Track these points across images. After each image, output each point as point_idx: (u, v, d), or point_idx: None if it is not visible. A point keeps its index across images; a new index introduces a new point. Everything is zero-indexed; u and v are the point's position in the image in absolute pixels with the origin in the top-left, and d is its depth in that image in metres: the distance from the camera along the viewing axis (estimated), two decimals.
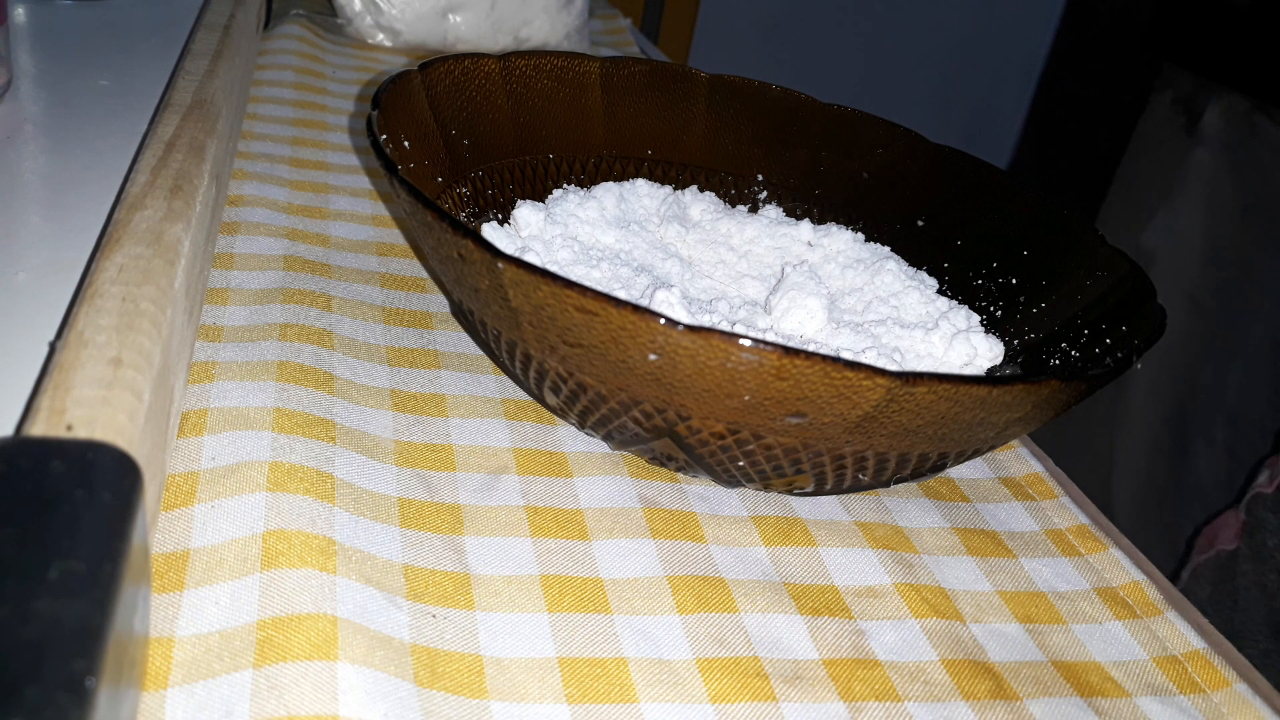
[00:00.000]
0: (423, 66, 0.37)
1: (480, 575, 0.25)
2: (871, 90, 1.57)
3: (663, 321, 0.23)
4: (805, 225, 0.41)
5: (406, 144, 0.34)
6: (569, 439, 0.30)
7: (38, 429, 0.20)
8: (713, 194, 0.43)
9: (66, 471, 0.18)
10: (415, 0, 0.59)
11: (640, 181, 0.41)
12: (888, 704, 0.24)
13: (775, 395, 0.24)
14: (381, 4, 0.58)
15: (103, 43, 0.52)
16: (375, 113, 0.32)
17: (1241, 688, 0.26)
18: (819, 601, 0.26)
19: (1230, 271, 0.91)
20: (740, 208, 0.43)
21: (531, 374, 0.28)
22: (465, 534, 0.26)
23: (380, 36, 0.59)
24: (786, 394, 0.24)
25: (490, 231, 0.34)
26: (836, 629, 0.26)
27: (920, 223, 0.41)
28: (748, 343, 0.23)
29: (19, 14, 0.52)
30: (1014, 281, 0.38)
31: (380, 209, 0.41)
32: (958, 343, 0.34)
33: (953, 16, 1.61)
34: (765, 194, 0.44)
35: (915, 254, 0.41)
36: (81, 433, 0.20)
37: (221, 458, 0.26)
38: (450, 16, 0.59)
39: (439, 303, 0.36)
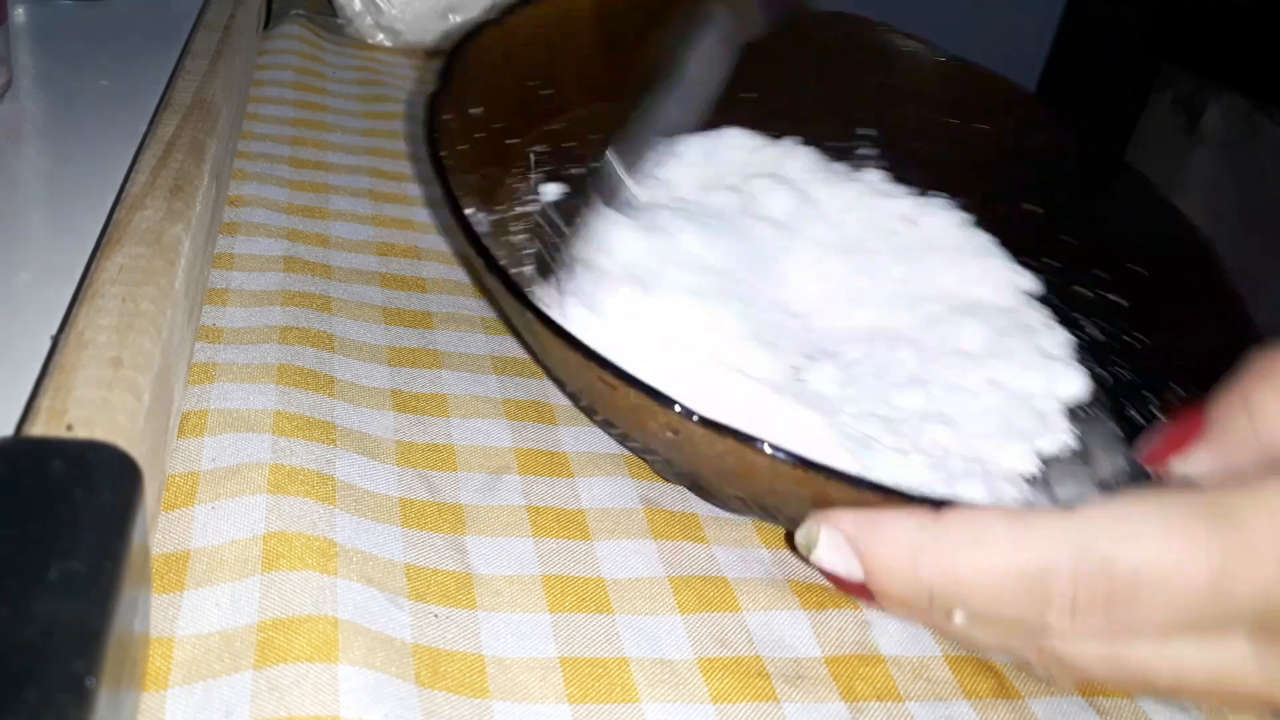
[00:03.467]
0: (505, 12, 0.34)
1: (482, 575, 0.25)
2: None
3: (678, 409, 0.22)
4: (905, 197, 0.37)
5: (478, 110, 0.32)
6: (570, 439, 0.30)
7: (38, 429, 0.20)
8: (813, 149, 0.39)
9: (66, 471, 0.18)
10: (415, 0, 0.59)
11: (731, 130, 0.37)
12: (889, 704, 0.24)
13: (793, 492, 0.23)
14: (381, 4, 0.58)
15: (103, 43, 0.51)
16: (438, 89, 0.30)
17: None
18: (823, 597, 0.26)
19: (1230, 272, 0.91)
20: (841, 165, 0.39)
21: (568, 392, 0.28)
22: (467, 534, 0.26)
23: (380, 36, 0.59)
24: (803, 495, 0.23)
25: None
26: (840, 623, 0.26)
27: (1035, 209, 0.37)
28: (765, 448, 0.22)
29: (19, 14, 0.52)
30: (1123, 303, 0.34)
31: (380, 209, 0.41)
32: (1036, 370, 0.31)
33: (952, 16, 1.61)
34: (874, 152, 0.39)
35: (1021, 243, 0.36)
36: (81, 433, 0.20)
37: (222, 459, 0.26)
38: (450, 17, 0.59)
39: (439, 302, 0.36)
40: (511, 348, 0.34)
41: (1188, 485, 0.23)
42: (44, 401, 0.21)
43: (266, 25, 0.56)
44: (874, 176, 0.39)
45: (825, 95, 0.40)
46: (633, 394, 0.23)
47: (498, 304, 0.31)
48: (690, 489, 0.29)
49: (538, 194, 0.35)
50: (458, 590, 0.24)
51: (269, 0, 0.56)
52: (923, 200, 0.38)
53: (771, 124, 0.39)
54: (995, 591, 0.22)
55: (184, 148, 0.32)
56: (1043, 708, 0.25)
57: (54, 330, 0.29)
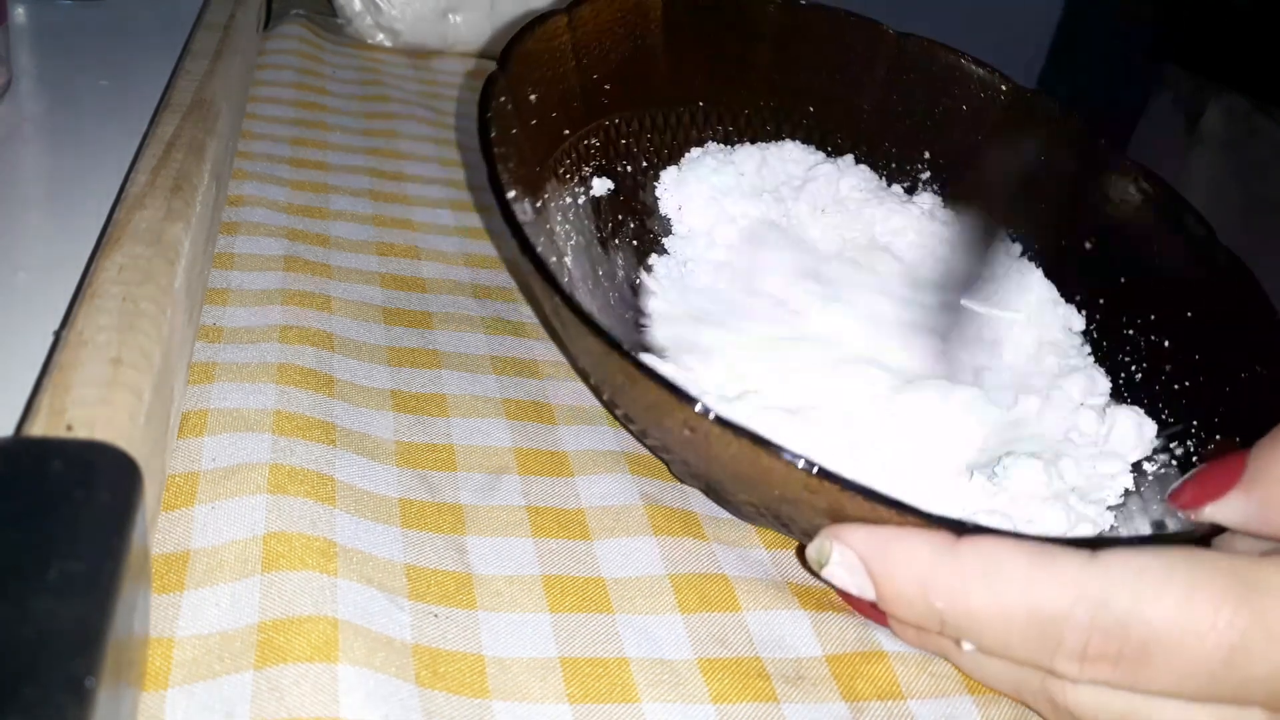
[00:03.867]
0: (571, 5, 0.34)
1: (482, 575, 0.25)
2: None
3: (697, 408, 0.22)
4: (952, 224, 0.37)
5: (533, 97, 0.32)
6: (570, 439, 0.30)
7: (38, 429, 0.20)
8: (867, 168, 0.38)
9: (66, 471, 0.18)
10: (415, 0, 0.59)
11: (789, 144, 0.38)
12: (890, 702, 0.24)
13: (805, 500, 0.23)
14: (381, 4, 0.58)
15: (103, 43, 0.51)
16: (499, 72, 0.30)
17: None
18: (822, 599, 0.26)
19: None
20: (896, 186, 0.39)
21: (593, 388, 0.28)
22: (467, 534, 0.26)
23: (380, 36, 0.59)
24: (816, 504, 0.23)
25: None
26: (841, 622, 0.26)
27: (1088, 244, 0.36)
28: (780, 451, 0.22)
29: (19, 14, 0.52)
30: (1165, 344, 0.33)
31: (380, 209, 0.41)
32: (1106, 421, 0.31)
33: (952, 17, 1.61)
34: (929, 174, 0.40)
35: (1071, 280, 0.36)
36: (81, 433, 0.20)
37: (222, 459, 0.26)
38: (450, 17, 0.59)
39: (439, 302, 0.36)
40: (511, 348, 0.34)
41: (1218, 548, 0.22)
42: (44, 401, 0.21)
43: (266, 25, 0.56)
44: (929, 200, 0.39)
45: (887, 115, 0.40)
46: (652, 389, 0.23)
47: (529, 291, 0.30)
48: (706, 493, 0.29)
49: (587, 187, 0.35)
50: (457, 590, 0.24)
51: (269, 0, 0.56)
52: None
53: (830, 139, 0.40)
54: (1005, 628, 0.21)
55: (184, 148, 0.32)
56: None
57: (53, 330, 0.29)
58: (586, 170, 0.35)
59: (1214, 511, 0.24)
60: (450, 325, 0.35)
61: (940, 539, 0.22)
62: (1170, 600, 0.20)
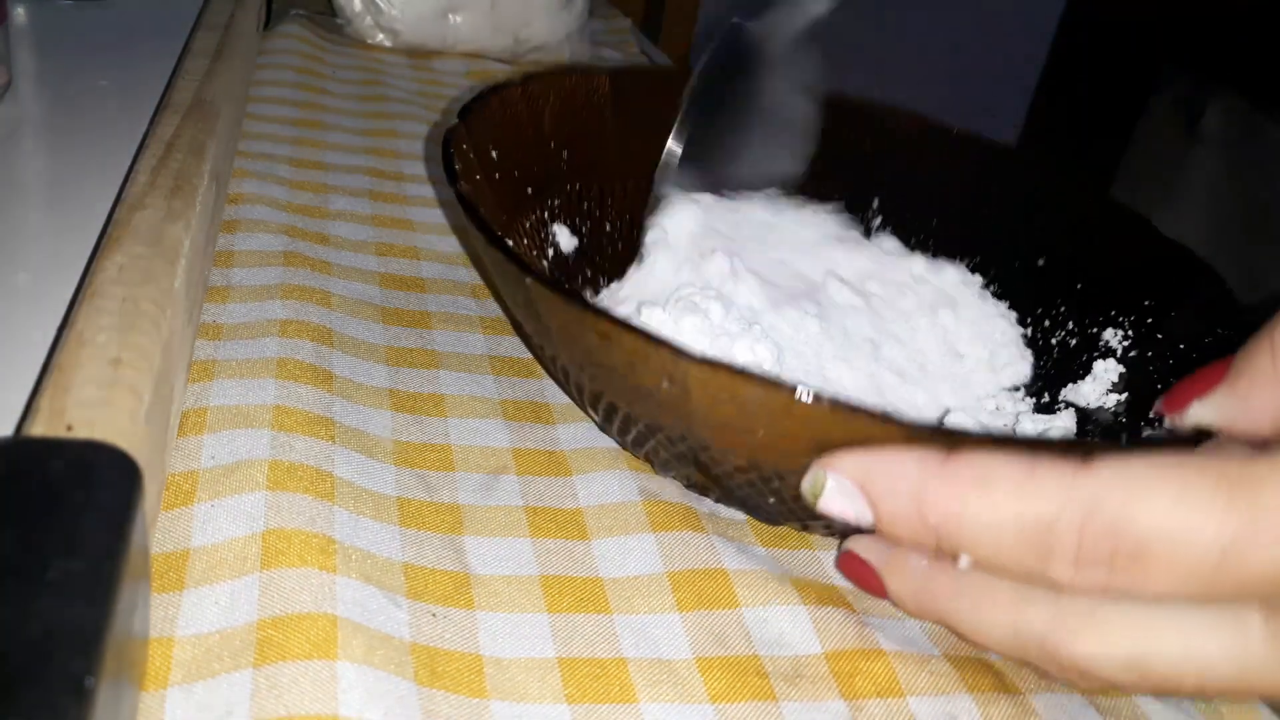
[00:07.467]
0: (527, 79, 0.36)
1: (480, 575, 0.25)
2: (870, 91, 1.57)
3: (672, 351, 0.23)
4: (918, 258, 0.39)
5: (495, 154, 0.34)
6: (568, 438, 0.30)
7: (38, 429, 0.20)
8: (827, 213, 0.40)
9: (66, 471, 0.18)
10: (415, 0, 0.59)
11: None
12: (889, 700, 0.24)
13: (788, 433, 0.23)
14: (381, 4, 0.58)
15: (103, 43, 0.52)
16: (459, 123, 0.31)
17: None
18: (822, 594, 0.26)
19: (1230, 272, 0.91)
20: (853, 231, 0.41)
21: (573, 389, 0.28)
22: (465, 534, 0.26)
23: (380, 36, 0.59)
24: (798, 433, 0.23)
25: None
26: (840, 619, 0.26)
27: (1040, 262, 0.39)
28: (756, 378, 0.22)
29: (19, 14, 0.52)
30: (1130, 332, 0.36)
31: (380, 209, 0.41)
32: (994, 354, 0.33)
33: (952, 17, 1.61)
34: (880, 219, 0.42)
35: (1033, 295, 0.38)
36: (81, 433, 0.20)
37: (221, 456, 0.26)
38: (450, 17, 0.59)
39: (438, 302, 0.36)
40: (510, 348, 0.34)
41: (1207, 449, 0.22)
42: (44, 401, 0.21)
43: (266, 25, 0.56)
44: (890, 244, 0.41)
45: (829, 164, 0.42)
46: (627, 339, 0.23)
47: (498, 289, 0.31)
48: (690, 486, 0.29)
49: (551, 241, 0.37)
50: (455, 590, 0.24)
51: (269, 0, 0.56)
52: (935, 262, 0.39)
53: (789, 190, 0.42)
54: (999, 537, 0.21)
55: (184, 148, 0.32)
56: (1043, 703, 0.25)
57: (54, 330, 0.29)
58: (553, 227, 0.37)
59: (1200, 410, 0.24)
60: (448, 325, 0.35)
61: (931, 456, 0.22)
62: (1162, 501, 0.20)
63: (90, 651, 0.16)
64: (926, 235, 0.41)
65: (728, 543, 0.27)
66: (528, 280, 0.25)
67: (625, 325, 0.23)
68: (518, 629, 0.24)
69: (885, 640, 0.25)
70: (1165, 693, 0.23)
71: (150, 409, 0.22)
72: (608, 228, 0.38)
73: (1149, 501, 0.20)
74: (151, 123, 0.36)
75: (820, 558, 0.28)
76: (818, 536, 0.29)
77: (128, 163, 0.37)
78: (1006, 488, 0.21)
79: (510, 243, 0.33)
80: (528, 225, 0.35)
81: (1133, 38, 1.24)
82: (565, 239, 0.36)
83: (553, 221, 0.36)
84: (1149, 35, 1.06)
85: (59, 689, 0.15)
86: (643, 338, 0.23)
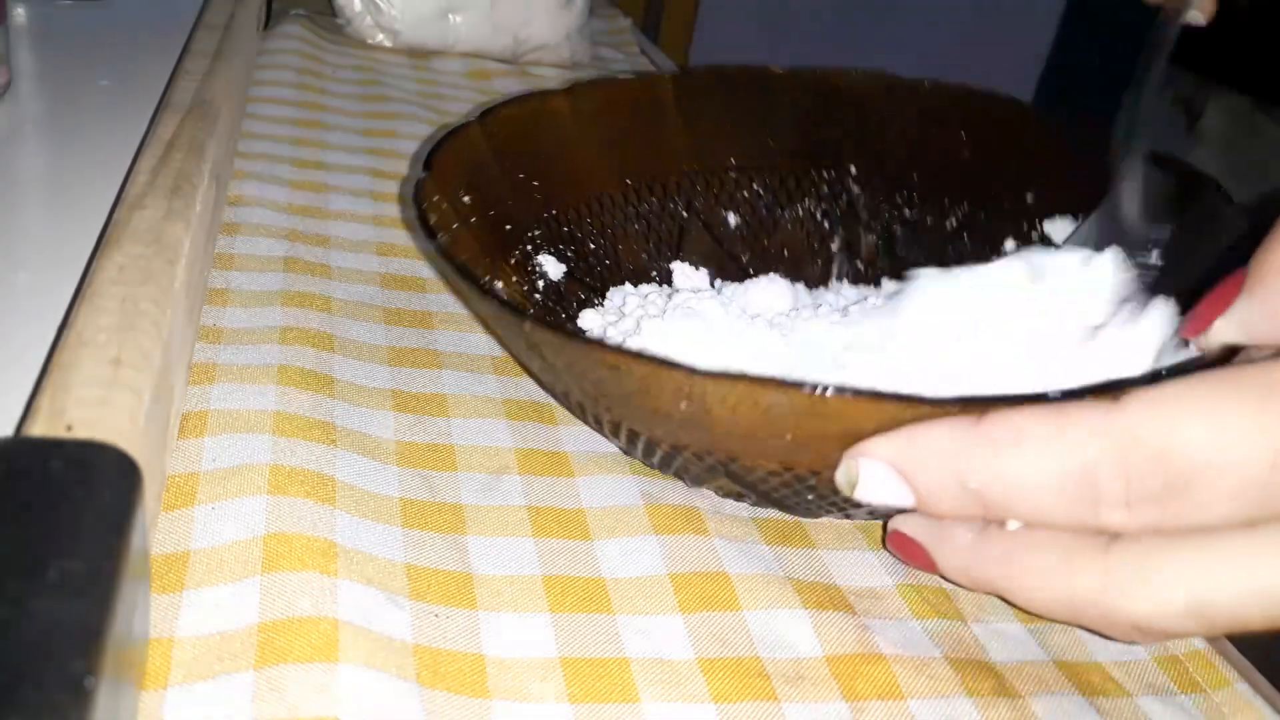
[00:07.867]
0: (483, 115, 0.36)
1: (482, 575, 0.25)
2: None
3: (686, 371, 0.22)
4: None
5: (466, 199, 0.33)
6: (570, 439, 0.30)
7: (38, 429, 0.20)
8: (781, 278, 0.39)
9: (66, 471, 0.18)
10: (415, 0, 0.59)
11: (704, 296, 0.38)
12: (890, 702, 0.24)
13: (817, 431, 0.23)
14: (381, 4, 0.58)
15: (103, 43, 0.52)
16: (425, 175, 0.31)
17: (1242, 687, 0.26)
18: (823, 597, 0.26)
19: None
20: (805, 290, 0.40)
21: (591, 421, 0.28)
22: (468, 534, 0.26)
23: (380, 36, 0.59)
24: (827, 429, 0.23)
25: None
26: (841, 623, 0.26)
27: (1029, 198, 0.39)
28: (775, 382, 0.22)
29: (19, 14, 0.52)
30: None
31: (380, 209, 0.41)
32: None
33: (953, 16, 1.61)
34: (837, 245, 0.41)
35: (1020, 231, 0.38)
36: (81, 433, 0.20)
37: (222, 460, 0.26)
38: (450, 17, 0.59)
39: (439, 302, 0.36)
40: None
41: (1235, 362, 0.21)
42: (44, 401, 0.21)
43: (266, 25, 0.56)
44: (850, 292, 0.40)
45: (807, 147, 0.41)
46: (637, 367, 0.23)
47: (504, 342, 0.31)
48: (725, 496, 0.28)
49: (540, 272, 0.36)
50: (458, 590, 0.24)
51: (269, 0, 0.56)
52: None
53: (759, 178, 0.41)
54: (1043, 492, 0.21)
55: (184, 148, 0.32)
56: (1043, 706, 0.25)
57: (54, 330, 0.29)
58: (538, 260, 0.36)
59: (1222, 327, 0.23)
60: (450, 325, 0.35)
61: (961, 422, 0.21)
62: (1202, 424, 0.19)
63: (90, 651, 0.15)
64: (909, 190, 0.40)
65: (731, 545, 0.27)
66: (526, 326, 0.25)
67: (633, 354, 0.23)
68: (520, 629, 0.24)
69: (886, 644, 0.25)
70: (1234, 631, 0.22)
71: (150, 409, 0.22)
72: (591, 246, 0.38)
73: (1188, 427, 0.19)
74: (151, 122, 0.36)
75: (824, 557, 0.28)
76: (821, 535, 0.29)
77: (128, 162, 0.37)
78: (1043, 440, 0.21)
79: (500, 284, 0.33)
80: (513, 262, 0.35)
81: (1133, 38, 1.24)
82: (552, 267, 0.36)
83: (537, 253, 0.36)
84: (1149, 35, 1.06)
85: (59, 689, 0.15)
86: (653, 363, 0.23)
